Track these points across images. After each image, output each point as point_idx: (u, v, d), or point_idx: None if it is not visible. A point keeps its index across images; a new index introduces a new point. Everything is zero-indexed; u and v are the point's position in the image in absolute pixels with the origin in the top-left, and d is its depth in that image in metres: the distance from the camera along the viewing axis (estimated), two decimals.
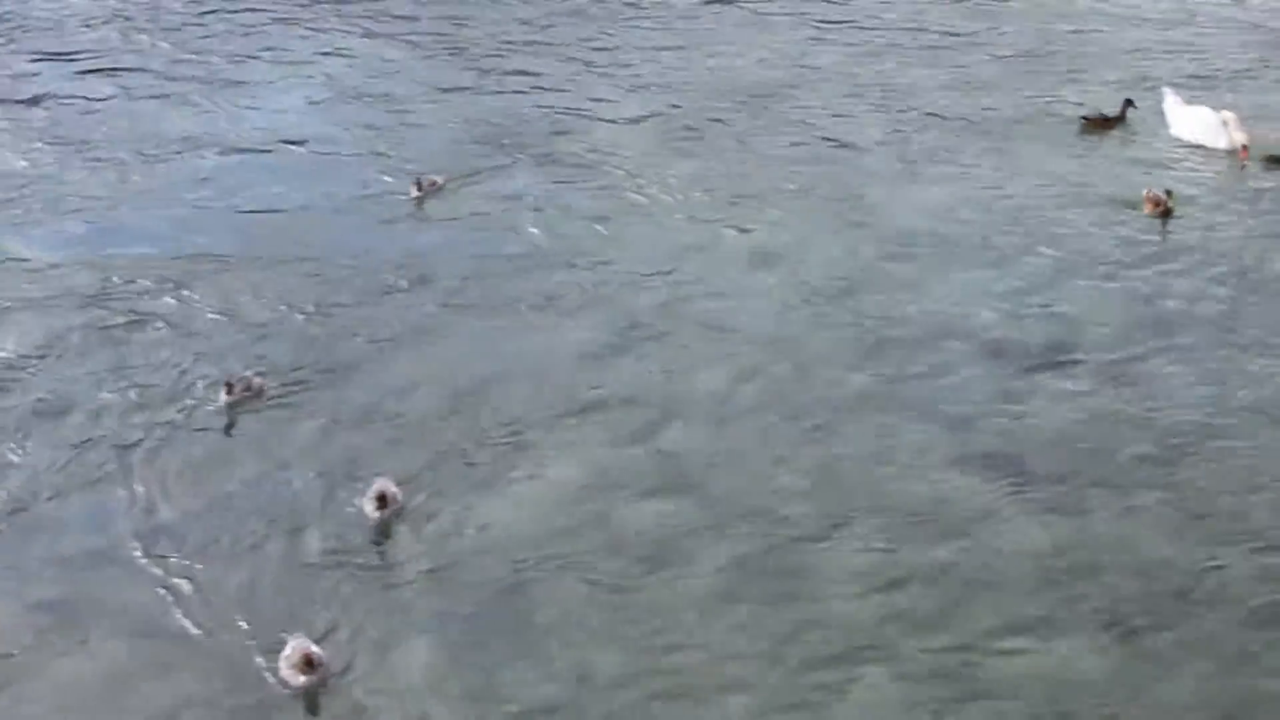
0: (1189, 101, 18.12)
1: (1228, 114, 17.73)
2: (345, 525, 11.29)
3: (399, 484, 11.46)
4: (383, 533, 11.20)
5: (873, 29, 21.39)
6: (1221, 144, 17.57)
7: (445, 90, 19.67)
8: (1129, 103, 18.23)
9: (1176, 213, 15.86)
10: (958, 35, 21.21)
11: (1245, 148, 17.30)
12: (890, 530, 11.25)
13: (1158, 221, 15.77)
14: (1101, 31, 21.47)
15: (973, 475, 11.84)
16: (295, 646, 9.83)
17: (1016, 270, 14.86)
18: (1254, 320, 14.06)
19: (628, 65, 20.03)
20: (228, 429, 12.51)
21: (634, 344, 13.73)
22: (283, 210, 16.40)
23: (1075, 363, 13.30)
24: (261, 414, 12.66)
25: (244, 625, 10.30)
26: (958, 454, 12.10)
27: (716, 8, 22.09)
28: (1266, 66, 20.17)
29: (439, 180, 16.49)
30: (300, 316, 14.15)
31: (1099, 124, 18.29)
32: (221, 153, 17.87)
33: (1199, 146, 17.71)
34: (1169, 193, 15.89)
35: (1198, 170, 17.40)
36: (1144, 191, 15.98)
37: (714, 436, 12.41)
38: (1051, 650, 10.11)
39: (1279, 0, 22.43)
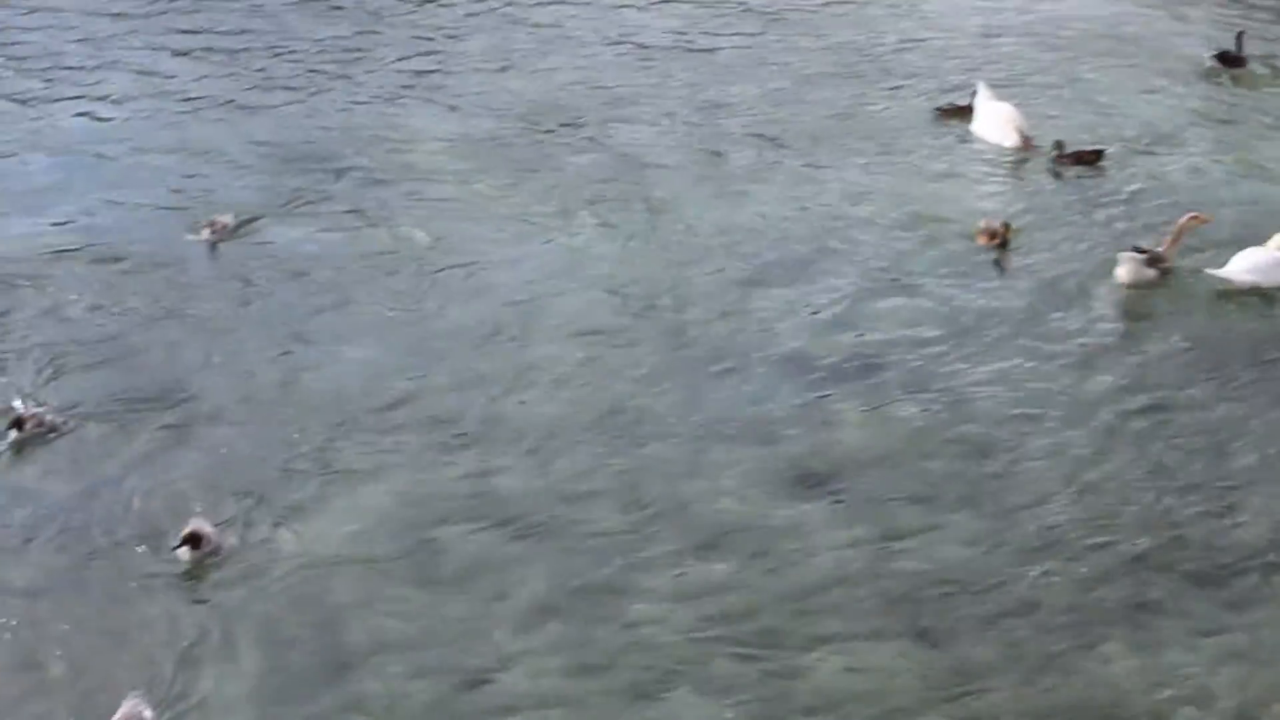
0: (996, 99, 18.53)
1: (1010, 109, 18.30)
2: (156, 565, 11.02)
3: (211, 521, 11.22)
4: (195, 574, 10.94)
5: (681, 46, 21.36)
6: (1010, 142, 18.07)
7: (245, 109, 19.16)
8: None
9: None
10: (765, 50, 21.29)
11: (1028, 139, 17.89)
12: (700, 547, 11.27)
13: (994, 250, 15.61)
14: (908, 44, 21.67)
15: (781, 491, 11.90)
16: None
17: (824, 285, 14.91)
18: (1058, 328, 14.24)
19: (441, 86, 19.78)
20: (20, 465, 12.11)
21: (445, 364, 13.57)
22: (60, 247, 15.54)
23: (881, 377, 13.40)
24: (57, 447, 12.28)
25: (42, 679, 10.03)
26: (766, 469, 12.15)
27: (530, 28, 21.95)
28: (1074, 73, 20.54)
29: (228, 221, 15.69)
30: (93, 348, 13.73)
31: (952, 113, 18.66)
32: None
33: (996, 145, 18.16)
34: (1007, 225, 15.79)
35: (995, 173, 17.76)
36: (979, 223, 15.82)
37: (525, 454, 12.34)
38: (863, 664, 10.19)
39: (1090, 10, 22.86)
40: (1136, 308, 14.74)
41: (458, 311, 14.47)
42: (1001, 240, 15.63)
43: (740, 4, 22.85)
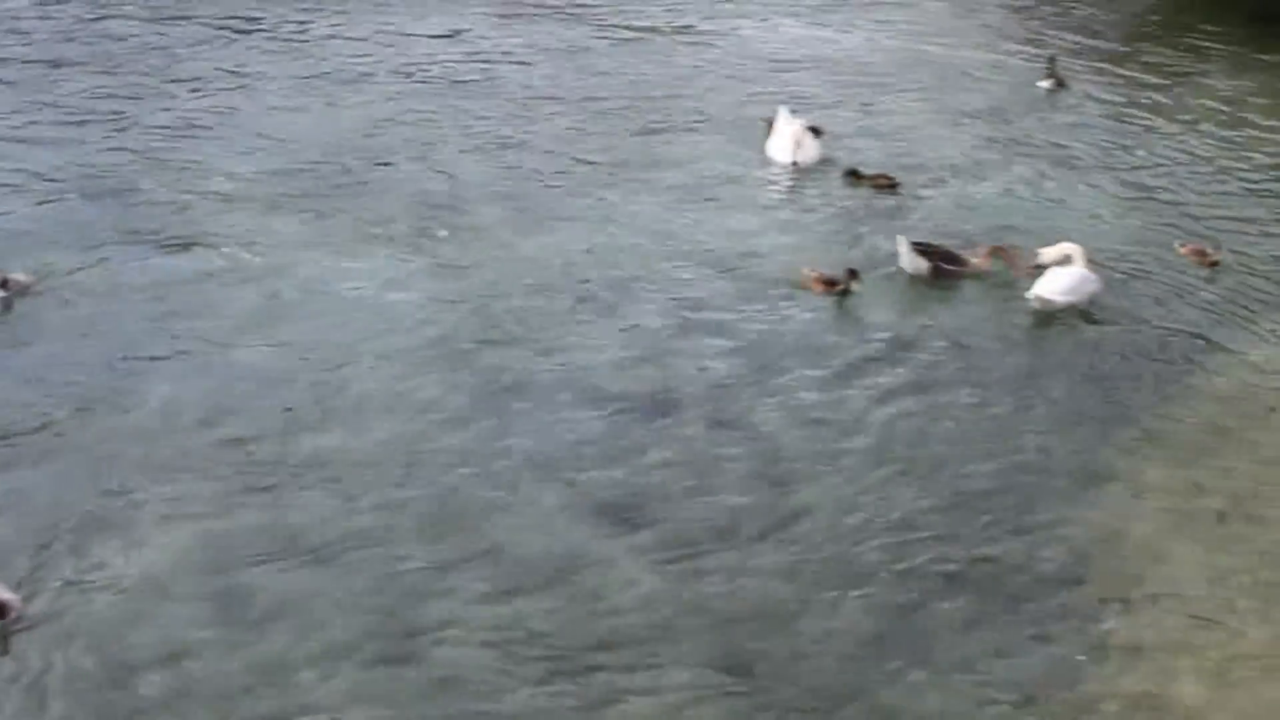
0: (793, 119, 19.16)
1: (799, 128, 18.88)
2: None
3: (7, 585, 10.89)
4: None
5: (484, 80, 21.42)
6: (787, 159, 18.78)
7: (28, 142, 18.73)
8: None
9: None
10: (569, 83, 21.44)
11: (796, 163, 18.65)
12: (508, 584, 11.25)
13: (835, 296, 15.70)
14: (709, 76, 22.02)
15: (588, 526, 11.95)
16: None
17: (631, 319, 15.04)
18: (859, 358, 14.55)
19: (244, 120, 19.58)
20: None
21: (251, 399, 13.42)
22: None
23: (687, 411, 13.52)
24: None
25: None
26: (574, 504, 12.19)
27: (334, 63, 21.82)
28: (877, 102, 21.09)
29: (24, 279, 15.06)
30: None
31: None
32: None
33: (786, 165, 18.84)
34: (854, 272, 15.65)
35: (792, 201, 18.29)
36: (806, 271, 15.73)
37: (331, 491, 12.22)
38: (672, 700, 10.25)
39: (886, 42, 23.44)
40: (944, 334, 15.10)
41: (264, 347, 14.30)
42: (844, 289, 15.51)
43: (543, 38, 23.00)
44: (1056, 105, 21.42)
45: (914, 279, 15.94)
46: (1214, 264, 16.48)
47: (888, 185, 18.23)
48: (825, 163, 18.74)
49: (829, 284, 15.53)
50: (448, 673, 10.38)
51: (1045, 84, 21.86)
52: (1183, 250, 16.70)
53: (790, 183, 18.45)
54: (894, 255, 16.15)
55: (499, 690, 10.23)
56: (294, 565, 11.37)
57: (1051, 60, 22.28)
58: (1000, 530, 12.13)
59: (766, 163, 18.80)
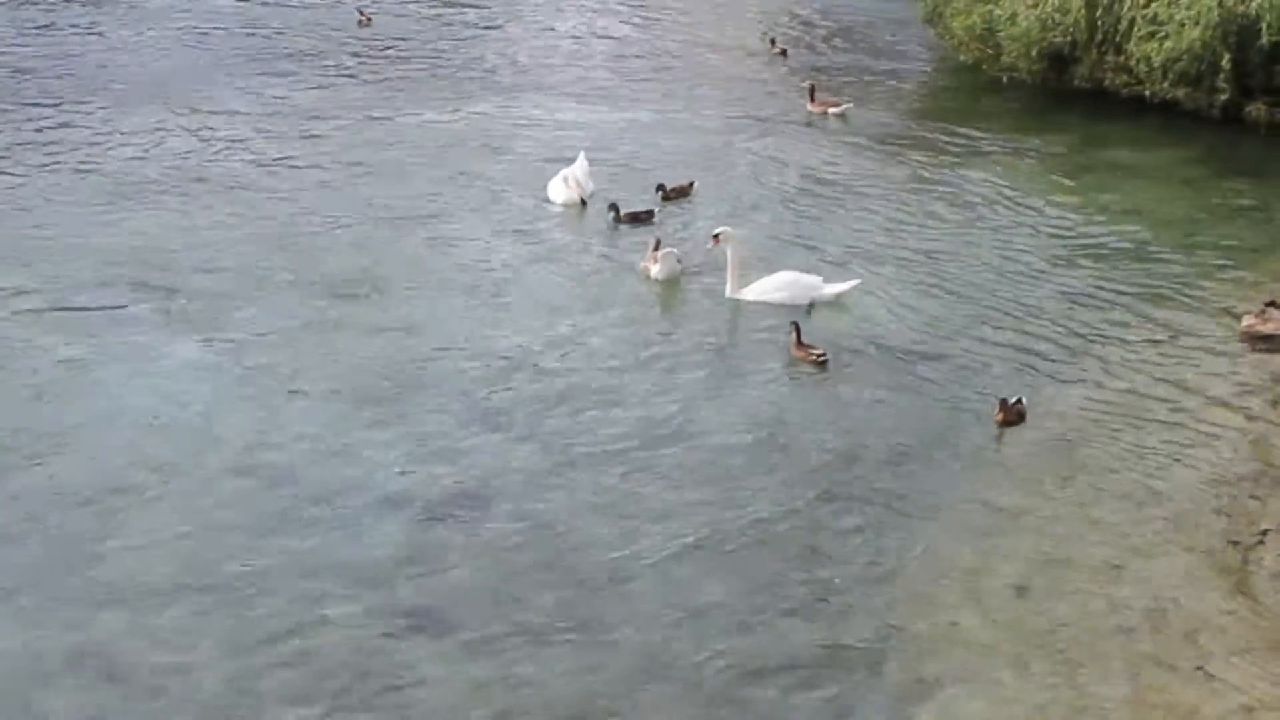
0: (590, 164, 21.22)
1: (570, 171, 20.86)
2: None
3: None
4: None
5: (252, 187, 21.34)
6: (560, 199, 20.73)
7: None
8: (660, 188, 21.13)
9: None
10: (348, 187, 21.51)
11: (584, 201, 20.55)
12: (312, 695, 11.12)
13: (549, 362, 16.33)
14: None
15: (394, 633, 11.86)
16: None
17: (422, 419, 15.00)
18: (650, 452, 14.65)
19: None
20: None
21: (35, 520, 13.16)
22: None
23: (484, 510, 13.54)
24: None
25: None
26: (377, 612, 12.09)
27: (105, 169, 21.55)
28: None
29: None
30: None
31: (673, 194, 21.03)
32: None
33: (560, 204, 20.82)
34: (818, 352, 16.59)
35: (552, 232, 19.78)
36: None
37: (128, 614, 11.98)
38: None
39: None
40: (718, 393, 15.74)
41: (53, 466, 14.03)
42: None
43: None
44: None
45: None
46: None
47: (646, 217, 20.23)
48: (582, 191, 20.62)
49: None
50: None
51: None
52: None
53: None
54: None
55: None
56: (94, 689, 11.13)
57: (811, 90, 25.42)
58: (800, 618, 12.29)
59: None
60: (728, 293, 17.93)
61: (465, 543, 13.03)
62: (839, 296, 17.94)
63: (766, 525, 13.53)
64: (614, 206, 20.27)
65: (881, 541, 13.31)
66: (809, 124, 24.91)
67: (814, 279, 18.11)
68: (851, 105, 25.64)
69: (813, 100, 25.44)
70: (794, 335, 16.61)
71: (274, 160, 22.25)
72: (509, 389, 15.71)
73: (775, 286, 17.92)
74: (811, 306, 17.00)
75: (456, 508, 13.51)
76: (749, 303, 17.83)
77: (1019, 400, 15.36)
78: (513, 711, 11.03)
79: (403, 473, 14.04)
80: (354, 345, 16.51)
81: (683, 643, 11.90)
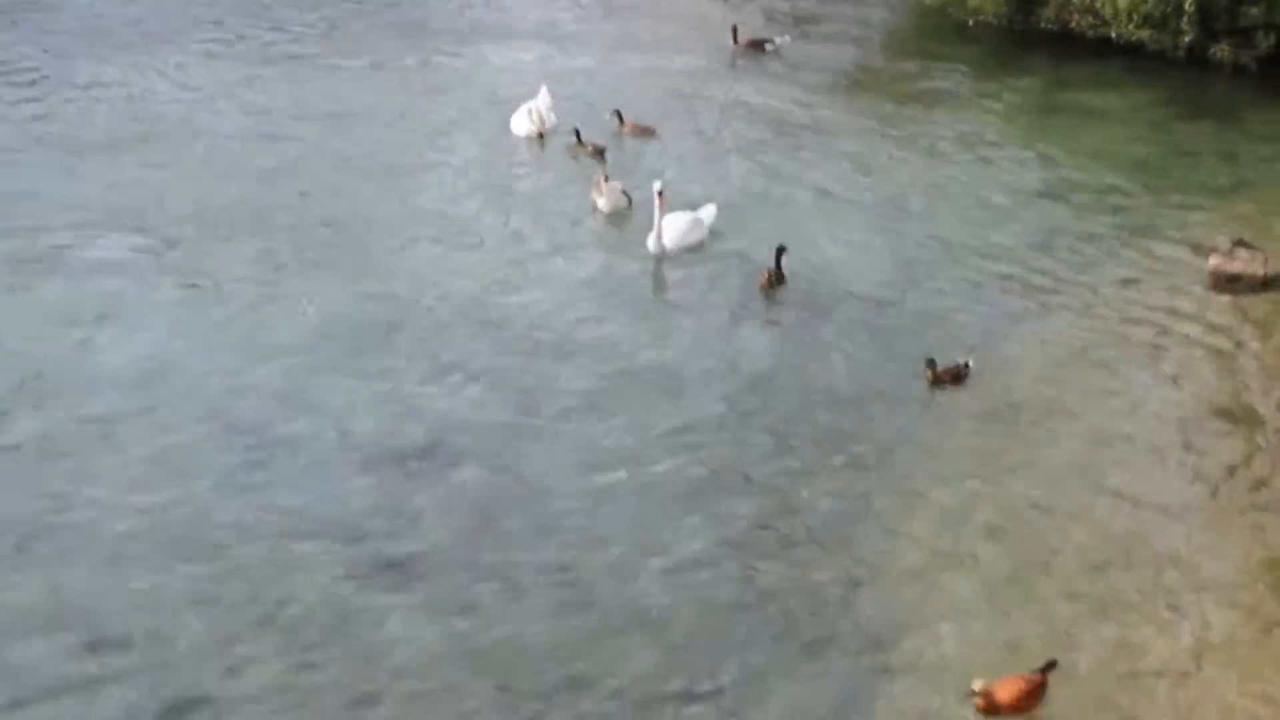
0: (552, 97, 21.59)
1: (533, 104, 21.21)
2: None
3: None
4: None
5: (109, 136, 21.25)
6: (523, 131, 21.16)
7: None
8: (617, 114, 21.59)
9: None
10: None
11: (541, 134, 21.05)
12: (284, 646, 11.14)
13: (516, 308, 16.31)
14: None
15: (368, 583, 11.87)
16: None
17: (390, 373, 14.95)
18: (618, 398, 14.68)
19: None
20: None
21: (7, 477, 13.08)
22: None
23: (455, 460, 13.52)
24: None
25: None
26: (350, 563, 12.09)
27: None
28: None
29: None
30: None
31: (635, 131, 21.46)
32: None
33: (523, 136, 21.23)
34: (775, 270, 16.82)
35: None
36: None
37: (102, 568, 11.94)
38: None
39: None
40: (682, 337, 15.77)
41: (18, 414, 14.02)
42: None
43: None
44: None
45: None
46: None
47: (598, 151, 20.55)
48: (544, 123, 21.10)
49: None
50: None
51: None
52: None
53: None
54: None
55: None
56: (71, 643, 11.11)
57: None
58: (770, 559, 12.35)
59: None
60: (651, 248, 17.64)
61: (436, 492, 13.03)
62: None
63: (734, 468, 13.58)
64: (576, 131, 20.74)
65: (850, 485, 13.38)
66: (734, 65, 25.11)
67: (707, 209, 18.08)
68: (787, 39, 25.90)
69: (735, 41, 25.68)
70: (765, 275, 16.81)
71: (237, 111, 22.08)
72: (476, 337, 15.67)
73: (684, 231, 17.71)
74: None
75: (426, 457, 13.50)
76: (673, 251, 17.67)
77: (965, 364, 15.26)
78: (485, 660, 11.06)
79: (373, 422, 14.02)
80: (321, 295, 16.43)
81: (654, 587, 11.96)
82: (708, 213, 18.07)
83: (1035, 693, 10.64)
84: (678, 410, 14.48)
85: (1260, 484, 13.55)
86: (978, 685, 10.57)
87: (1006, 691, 10.56)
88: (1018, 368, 15.47)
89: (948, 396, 14.82)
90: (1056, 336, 16.13)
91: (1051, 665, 10.85)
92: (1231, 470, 13.74)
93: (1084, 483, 13.51)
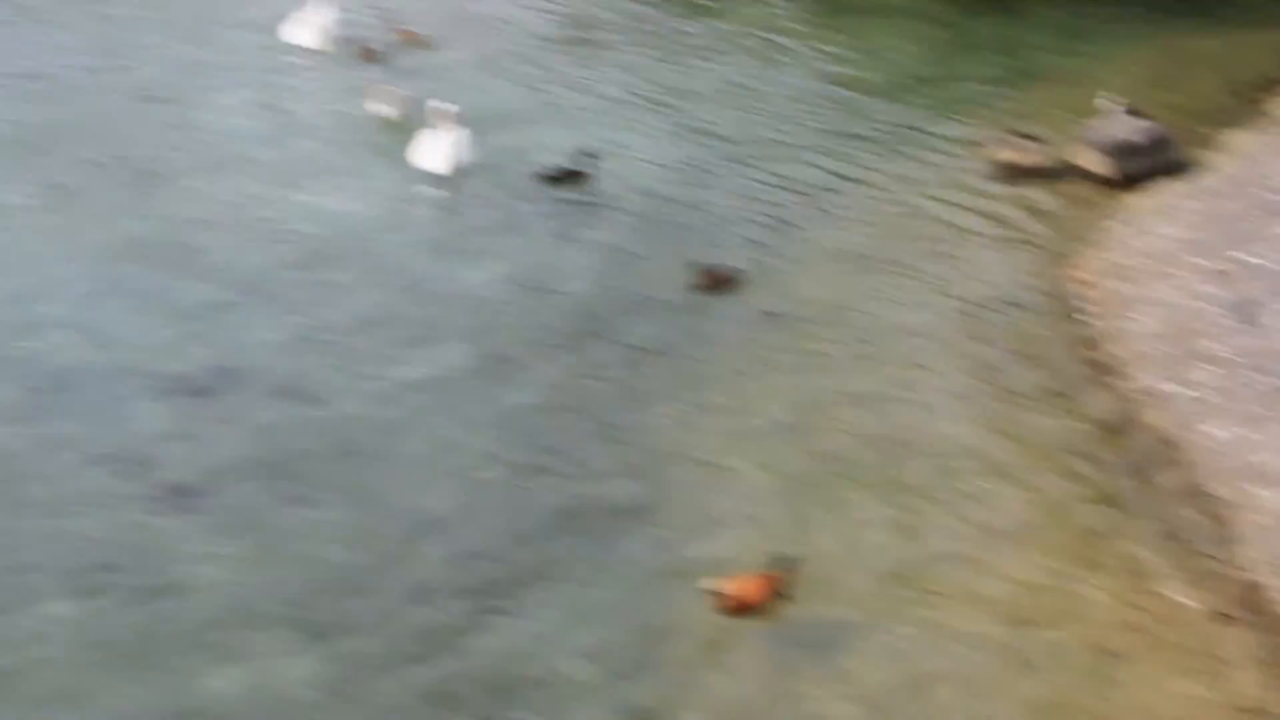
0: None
1: (309, 13, 20.88)
2: None
3: None
4: None
5: None
6: (301, 40, 20.80)
7: None
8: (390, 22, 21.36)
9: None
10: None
11: (321, 44, 20.75)
12: (78, 575, 10.90)
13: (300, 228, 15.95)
14: None
15: (158, 509, 11.64)
16: None
17: (178, 296, 14.62)
18: (406, 312, 14.54)
19: None
20: None
21: None
22: None
23: (245, 383, 13.29)
24: None
25: None
26: (141, 489, 11.85)
27: None
28: None
29: None
30: None
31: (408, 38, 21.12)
32: None
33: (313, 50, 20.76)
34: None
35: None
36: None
37: None
38: (265, 675, 10.12)
39: None
40: (469, 246, 15.65)
41: None
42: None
43: None
44: None
45: None
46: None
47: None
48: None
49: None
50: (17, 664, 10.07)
51: None
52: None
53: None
54: None
55: (80, 689, 9.91)
56: None
57: None
58: (563, 467, 12.35)
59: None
60: (433, 165, 17.25)
61: (225, 415, 12.82)
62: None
63: (521, 372, 13.59)
64: (353, 39, 20.58)
65: (634, 385, 13.47)
66: None
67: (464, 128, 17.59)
68: None
69: None
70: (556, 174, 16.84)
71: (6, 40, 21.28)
72: (261, 258, 15.38)
73: (465, 146, 17.33)
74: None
75: (215, 381, 13.24)
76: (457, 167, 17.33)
77: (734, 267, 15.26)
78: (283, 581, 10.94)
79: (159, 348, 13.69)
80: (100, 223, 15.97)
81: (447, 493, 11.94)
82: (466, 134, 17.43)
83: (772, 589, 10.67)
84: (464, 319, 14.42)
85: (1043, 368, 13.87)
86: (711, 583, 10.61)
87: (739, 588, 10.62)
88: (800, 266, 15.60)
89: (724, 299, 14.89)
90: (837, 235, 16.31)
91: (790, 562, 10.82)
92: (1016, 357, 14.04)
93: (868, 377, 13.72)
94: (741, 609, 10.59)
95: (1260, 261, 14.58)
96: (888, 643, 10.60)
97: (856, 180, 17.57)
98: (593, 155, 17.00)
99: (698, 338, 14.28)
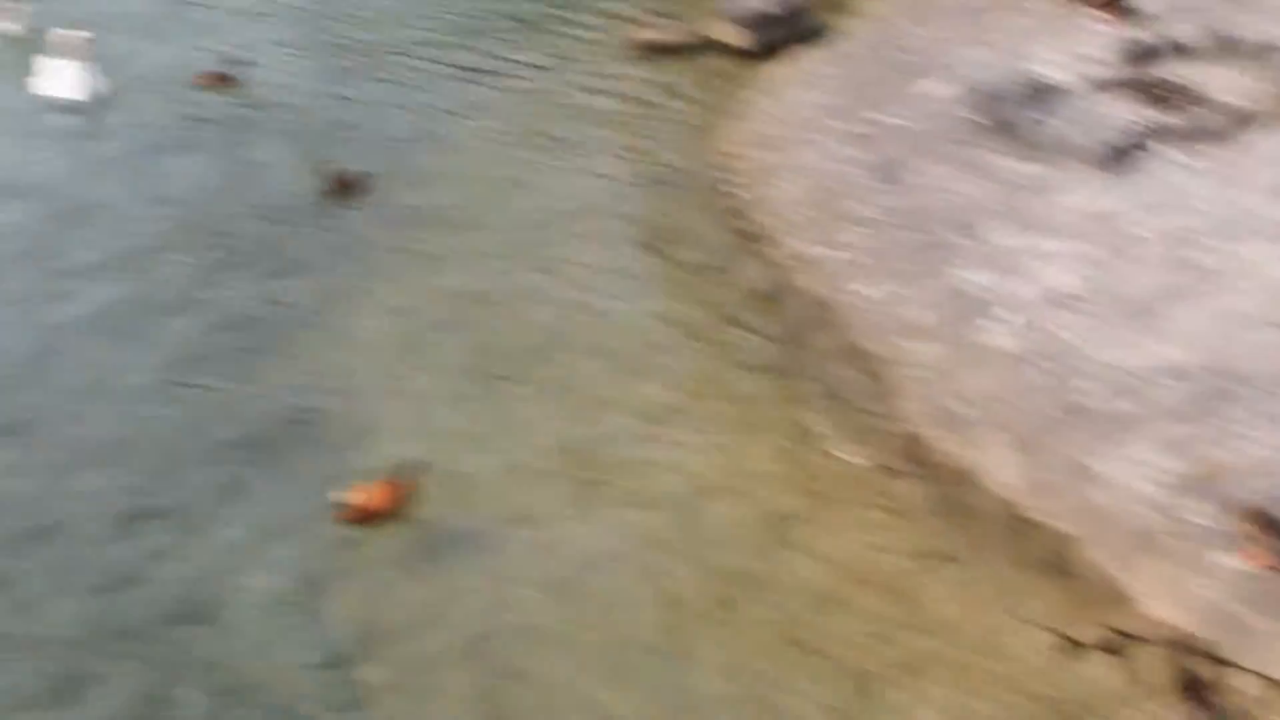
0: None
1: None
2: None
3: None
4: None
5: None
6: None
7: None
8: None
9: None
10: None
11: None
12: None
13: None
14: None
15: None
16: None
17: None
18: (45, 237, 13.82)
19: None
20: None
21: None
22: None
23: None
24: None
25: None
26: None
27: None
28: None
29: None
30: None
31: None
32: None
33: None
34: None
35: None
36: None
37: None
38: None
39: None
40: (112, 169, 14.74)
41: None
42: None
43: None
44: None
45: None
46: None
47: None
48: None
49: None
50: None
51: None
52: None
53: None
54: None
55: None
56: None
57: None
58: (224, 379, 11.99)
59: None
60: (67, 93, 16.20)
61: None
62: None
63: (172, 291, 13.09)
64: None
65: (287, 294, 13.11)
66: None
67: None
68: None
69: None
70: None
71: None
72: None
73: (75, 76, 16.29)
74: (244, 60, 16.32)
75: None
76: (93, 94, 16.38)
77: (362, 171, 14.86)
78: None
79: None
80: None
81: (107, 423, 11.46)
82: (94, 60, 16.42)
83: (399, 498, 10.54)
84: (112, 241, 13.82)
85: (694, 243, 13.95)
86: (338, 495, 10.45)
87: (363, 497, 10.47)
88: (445, 162, 15.38)
89: (366, 201, 14.57)
90: (481, 125, 16.10)
91: (415, 468, 10.68)
92: (672, 231, 14.08)
93: (524, 265, 13.62)
94: (366, 518, 10.40)
95: (899, 122, 14.88)
96: (560, 531, 10.56)
97: (498, 72, 17.35)
98: (241, 63, 16.35)
99: (345, 243, 13.93)
